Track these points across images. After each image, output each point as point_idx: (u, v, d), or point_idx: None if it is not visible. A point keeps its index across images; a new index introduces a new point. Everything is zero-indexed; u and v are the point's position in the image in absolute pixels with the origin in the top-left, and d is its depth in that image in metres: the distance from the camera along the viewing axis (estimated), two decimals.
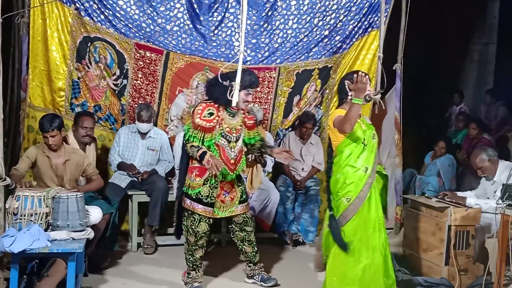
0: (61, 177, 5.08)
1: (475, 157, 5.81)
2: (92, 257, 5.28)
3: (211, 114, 4.90)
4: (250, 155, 5.32)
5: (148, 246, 6.12)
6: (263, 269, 5.35)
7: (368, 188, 4.49)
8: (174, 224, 5.40)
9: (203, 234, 5.04)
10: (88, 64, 6.27)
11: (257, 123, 5.75)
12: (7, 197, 4.38)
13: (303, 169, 6.74)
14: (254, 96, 6.59)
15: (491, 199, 5.55)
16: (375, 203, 4.54)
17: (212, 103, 4.91)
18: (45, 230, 4.36)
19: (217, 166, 4.78)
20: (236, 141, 5.02)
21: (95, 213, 4.91)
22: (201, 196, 4.96)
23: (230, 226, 5.29)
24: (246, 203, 5.22)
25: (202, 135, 4.88)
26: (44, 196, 4.40)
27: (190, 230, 5.03)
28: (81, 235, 4.45)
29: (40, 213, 4.35)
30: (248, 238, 5.23)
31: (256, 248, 5.29)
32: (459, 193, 5.93)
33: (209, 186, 4.96)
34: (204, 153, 4.83)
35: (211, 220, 5.07)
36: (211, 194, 4.97)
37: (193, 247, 5.07)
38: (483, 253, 5.42)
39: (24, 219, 4.31)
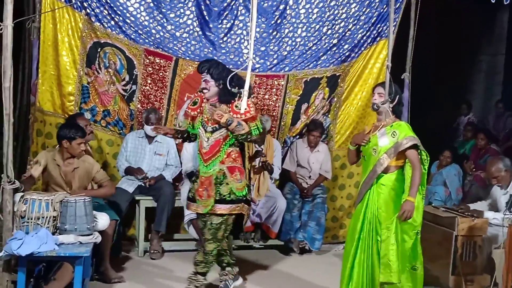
0: (70, 184, 5.09)
1: (491, 165, 5.78)
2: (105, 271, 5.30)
3: (195, 103, 4.97)
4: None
5: (155, 252, 6.12)
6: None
7: (364, 192, 4.63)
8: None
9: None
10: (98, 69, 6.30)
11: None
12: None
13: (310, 176, 6.74)
14: (262, 104, 6.62)
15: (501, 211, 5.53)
16: (372, 207, 4.59)
17: (200, 94, 4.93)
18: (53, 233, 4.39)
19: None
20: (212, 133, 4.80)
21: (103, 220, 4.91)
22: (190, 193, 5.01)
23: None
24: (231, 205, 4.77)
25: (192, 124, 4.99)
26: (51, 199, 4.42)
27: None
28: (89, 239, 4.48)
29: (47, 217, 4.38)
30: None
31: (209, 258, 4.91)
32: (472, 205, 5.90)
33: (193, 181, 5.00)
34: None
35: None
36: (193, 189, 4.95)
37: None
38: (489, 264, 5.40)
39: (31, 222, 4.34)
